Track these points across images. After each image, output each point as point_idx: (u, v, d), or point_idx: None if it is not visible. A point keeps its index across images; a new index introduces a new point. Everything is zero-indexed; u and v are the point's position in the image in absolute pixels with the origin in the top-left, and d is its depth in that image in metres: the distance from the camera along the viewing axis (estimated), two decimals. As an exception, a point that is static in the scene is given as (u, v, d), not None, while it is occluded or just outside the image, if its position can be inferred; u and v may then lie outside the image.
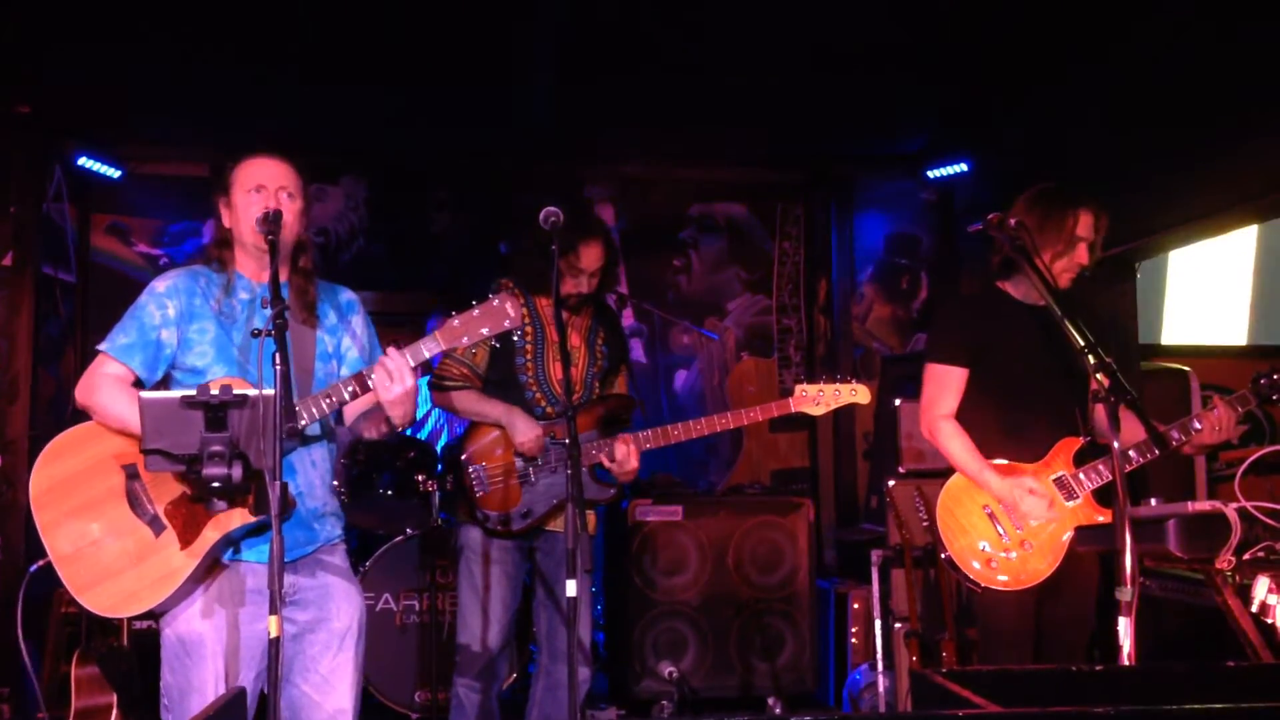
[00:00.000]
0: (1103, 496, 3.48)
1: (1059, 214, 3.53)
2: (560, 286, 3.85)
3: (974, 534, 3.48)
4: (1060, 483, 3.47)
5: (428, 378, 4.12)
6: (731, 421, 3.89)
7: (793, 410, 3.93)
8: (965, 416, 3.61)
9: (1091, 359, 2.96)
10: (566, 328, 3.99)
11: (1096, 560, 3.53)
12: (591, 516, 4.06)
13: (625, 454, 3.83)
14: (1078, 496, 3.45)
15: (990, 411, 3.58)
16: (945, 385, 3.63)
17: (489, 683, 3.91)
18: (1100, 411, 2.94)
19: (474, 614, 3.88)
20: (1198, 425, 3.41)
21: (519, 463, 3.88)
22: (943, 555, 3.52)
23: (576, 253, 3.89)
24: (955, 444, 3.58)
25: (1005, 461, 3.53)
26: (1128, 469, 3.37)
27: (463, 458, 3.92)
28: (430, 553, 5.04)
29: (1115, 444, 2.80)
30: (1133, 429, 3.44)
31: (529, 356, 3.96)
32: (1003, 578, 3.43)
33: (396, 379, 2.90)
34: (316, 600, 3.10)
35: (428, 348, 2.97)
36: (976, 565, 3.45)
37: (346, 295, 3.34)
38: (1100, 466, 3.44)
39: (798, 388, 3.93)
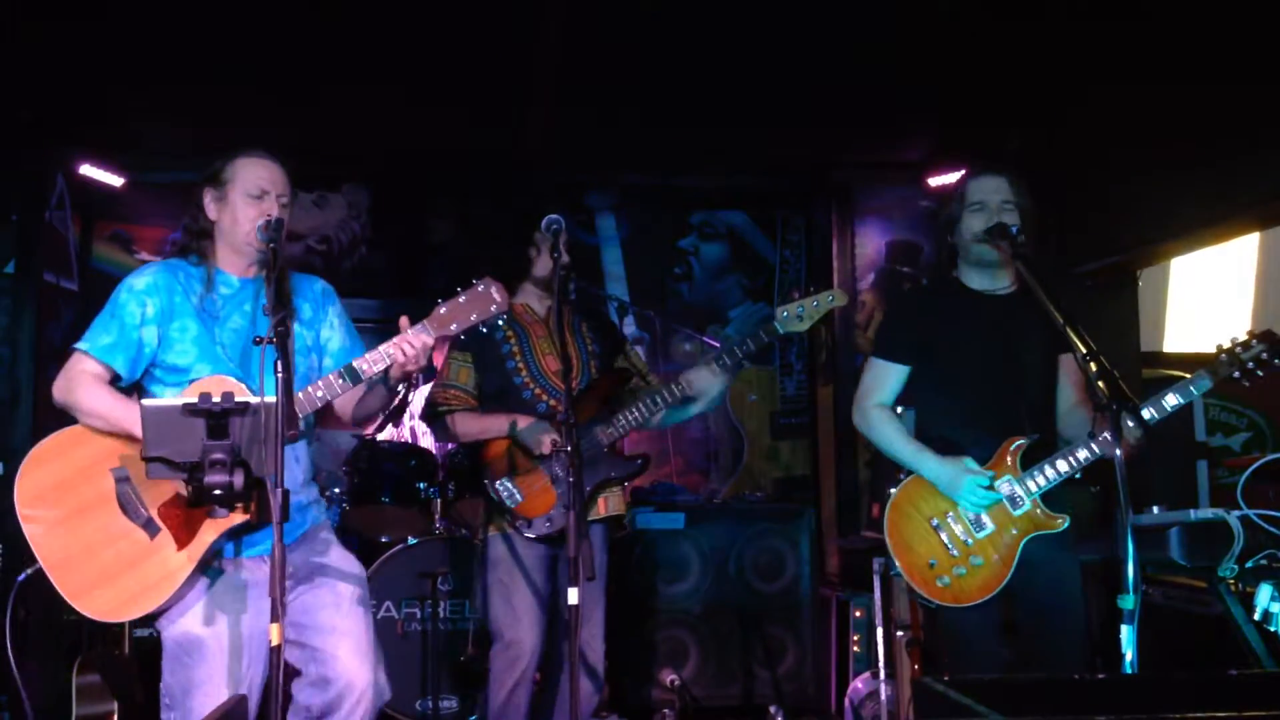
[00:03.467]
0: (1048, 499, 3.34)
1: (957, 187, 3.53)
2: (535, 271, 3.95)
3: (921, 549, 3.36)
4: (1006, 488, 3.35)
5: (424, 411, 4.11)
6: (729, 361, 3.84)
7: (780, 334, 3.82)
8: (920, 414, 3.56)
9: (1093, 366, 2.95)
10: (548, 323, 3.98)
11: (1078, 577, 3.43)
12: (619, 495, 4.04)
13: (704, 377, 3.80)
14: (1025, 503, 3.33)
15: (939, 407, 3.51)
16: (882, 379, 3.57)
17: (529, 691, 3.89)
18: (1101, 418, 2.92)
19: (513, 625, 3.82)
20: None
21: (541, 465, 3.85)
22: (891, 572, 3.44)
23: (559, 236, 3.83)
24: (887, 429, 3.49)
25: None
26: (1077, 468, 3.29)
27: (485, 479, 3.87)
28: (432, 560, 5.03)
29: (1119, 453, 2.79)
30: (1083, 418, 3.40)
31: (518, 358, 3.94)
32: (955, 593, 3.32)
33: (422, 354, 2.96)
34: (317, 569, 3.12)
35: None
36: (927, 582, 3.34)
37: (321, 284, 3.33)
38: (1046, 468, 3.31)
39: (778, 309, 3.82)
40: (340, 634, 3.06)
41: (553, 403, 3.91)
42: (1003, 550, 3.33)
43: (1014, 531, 3.33)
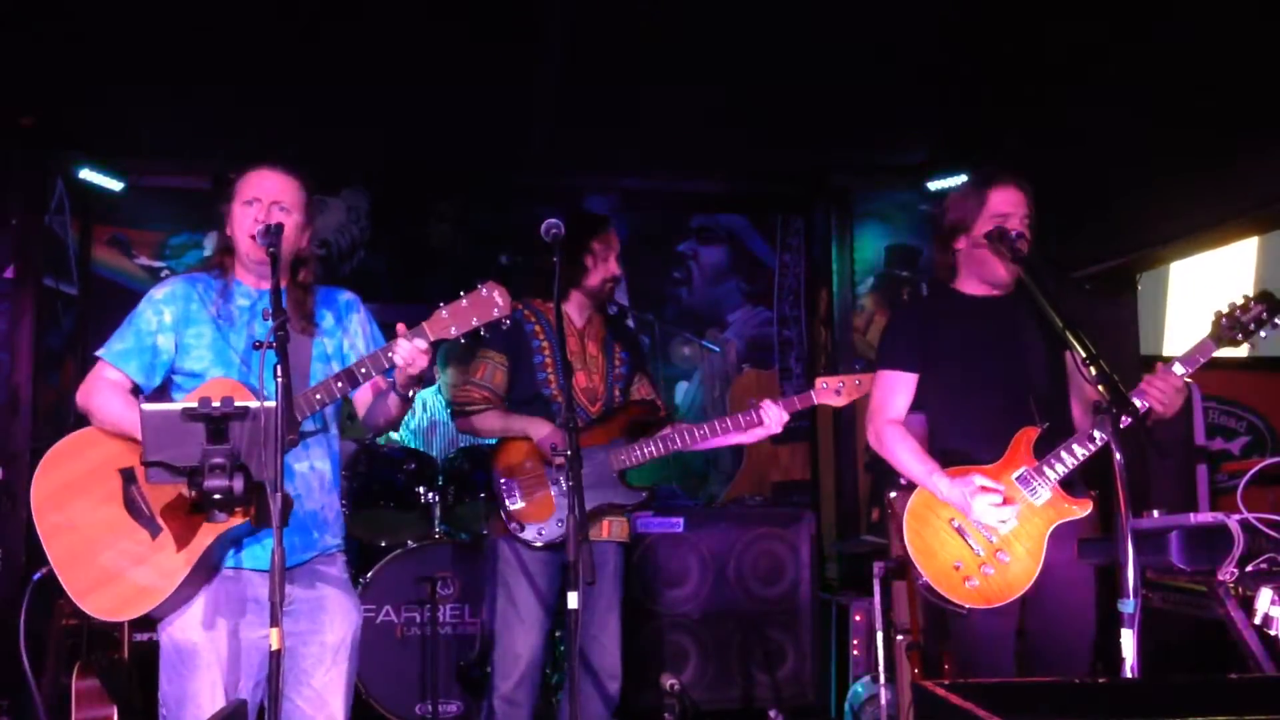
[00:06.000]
0: (1070, 487, 3.34)
1: (975, 194, 3.48)
2: (588, 281, 3.98)
3: (945, 553, 3.32)
4: (1024, 479, 3.32)
5: (449, 408, 4.13)
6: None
7: (815, 403, 3.95)
8: (931, 419, 3.54)
9: (1093, 370, 2.95)
10: (584, 336, 4.02)
11: (1091, 582, 3.41)
12: (624, 523, 4.03)
13: (777, 415, 3.85)
14: (1045, 491, 3.31)
15: (950, 411, 3.49)
16: (894, 390, 3.54)
17: (530, 694, 3.86)
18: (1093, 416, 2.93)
19: (514, 626, 3.82)
20: (1143, 405, 3.20)
21: (550, 472, 3.85)
22: (919, 581, 3.35)
23: (607, 237, 3.94)
24: (902, 448, 3.46)
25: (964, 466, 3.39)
26: (1094, 450, 3.28)
27: (494, 473, 3.89)
28: (431, 564, 5.03)
29: (1119, 457, 2.79)
30: (1081, 416, 3.42)
31: (549, 370, 3.96)
32: (986, 594, 3.27)
33: (417, 357, 2.94)
34: (310, 612, 3.09)
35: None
36: (955, 586, 3.29)
37: (345, 296, 3.35)
38: (1062, 454, 3.29)
39: (819, 380, 3.95)
40: (316, 698, 3.08)
41: (579, 420, 3.91)
42: (1029, 543, 3.29)
43: (1038, 522, 3.31)
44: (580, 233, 3.89)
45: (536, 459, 3.86)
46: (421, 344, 2.95)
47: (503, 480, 3.87)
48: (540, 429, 3.85)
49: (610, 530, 3.96)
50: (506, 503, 3.84)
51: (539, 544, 3.81)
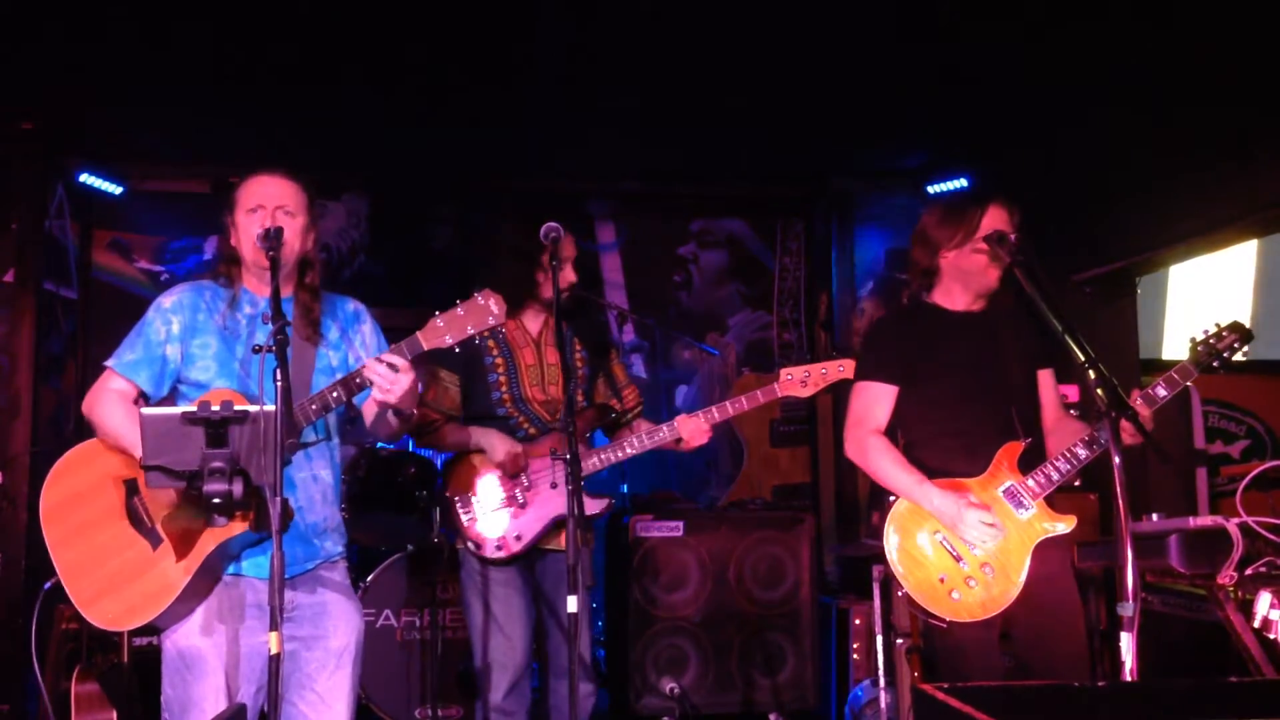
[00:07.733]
0: (1053, 503, 3.36)
1: (966, 211, 3.50)
2: (542, 292, 3.85)
3: (929, 565, 3.32)
4: (1010, 493, 3.34)
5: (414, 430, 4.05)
6: (717, 415, 3.80)
7: (779, 395, 3.79)
8: (907, 434, 3.53)
9: (1091, 374, 2.95)
10: (540, 345, 3.93)
11: (1074, 588, 3.42)
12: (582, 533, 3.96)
13: (694, 428, 3.76)
14: (1031, 506, 3.33)
15: (930, 426, 3.48)
16: (874, 401, 3.52)
17: (523, 701, 3.82)
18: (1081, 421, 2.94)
19: (493, 636, 3.77)
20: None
21: (505, 487, 3.80)
22: (899, 593, 3.36)
23: (558, 249, 3.75)
24: (885, 459, 3.44)
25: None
26: (1078, 465, 3.31)
27: (448, 491, 3.85)
28: (431, 568, 5.02)
29: (1117, 459, 2.79)
30: (1072, 428, 3.46)
31: (504, 388, 3.87)
32: (970, 608, 3.28)
33: (394, 380, 2.92)
34: (313, 618, 3.10)
35: (410, 348, 2.98)
36: (938, 599, 3.29)
37: (352, 305, 3.34)
38: (1049, 470, 3.32)
39: (783, 371, 3.78)
40: (319, 703, 3.09)
41: (532, 431, 3.85)
42: (1013, 558, 3.30)
43: (1022, 537, 3.31)
44: (531, 244, 3.71)
45: (491, 473, 3.80)
46: (398, 361, 2.92)
47: (456, 497, 3.81)
48: (495, 447, 3.78)
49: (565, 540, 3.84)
50: (462, 520, 3.78)
51: (498, 559, 3.75)
